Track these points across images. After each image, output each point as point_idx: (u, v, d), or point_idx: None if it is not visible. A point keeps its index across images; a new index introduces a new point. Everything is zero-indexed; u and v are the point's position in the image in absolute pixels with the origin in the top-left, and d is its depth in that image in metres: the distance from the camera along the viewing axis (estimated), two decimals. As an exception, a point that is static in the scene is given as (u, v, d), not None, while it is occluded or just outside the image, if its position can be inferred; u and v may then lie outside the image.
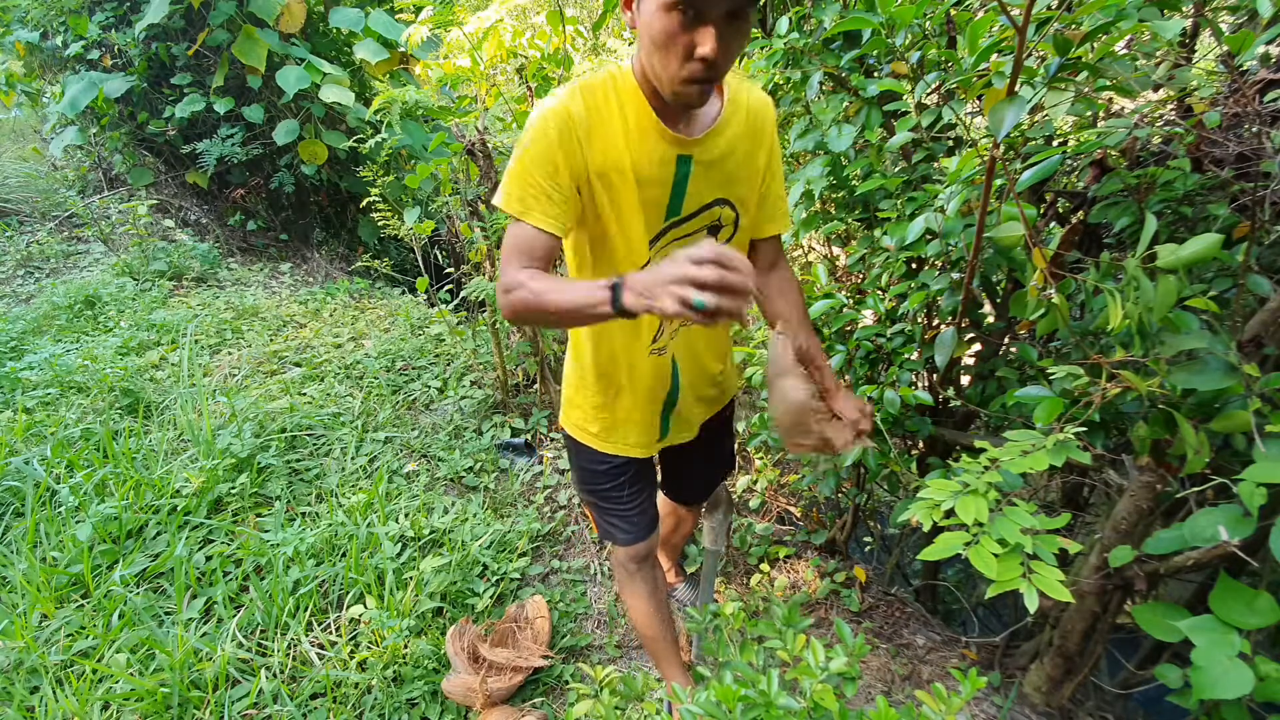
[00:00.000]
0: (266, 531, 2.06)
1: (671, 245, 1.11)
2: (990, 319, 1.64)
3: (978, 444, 0.97)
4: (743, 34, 0.90)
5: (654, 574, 1.50)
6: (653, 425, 1.30)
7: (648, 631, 1.53)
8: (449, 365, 3.32)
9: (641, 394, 1.24)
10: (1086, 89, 1.13)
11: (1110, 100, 1.43)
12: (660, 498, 1.71)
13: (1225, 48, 1.09)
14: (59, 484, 2.20)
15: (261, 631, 1.80)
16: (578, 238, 1.11)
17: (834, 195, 1.70)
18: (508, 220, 1.02)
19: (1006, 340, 1.64)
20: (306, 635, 1.77)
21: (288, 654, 1.73)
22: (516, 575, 2.07)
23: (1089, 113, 1.28)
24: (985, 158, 1.16)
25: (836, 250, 2.12)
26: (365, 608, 1.79)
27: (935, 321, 1.65)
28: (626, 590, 1.52)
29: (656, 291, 0.77)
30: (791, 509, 2.44)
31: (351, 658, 1.71)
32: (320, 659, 1.72)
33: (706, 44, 0.85)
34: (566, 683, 1.76)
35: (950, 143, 1.59)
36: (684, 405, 1.30)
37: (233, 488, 2.23)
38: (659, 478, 1.62)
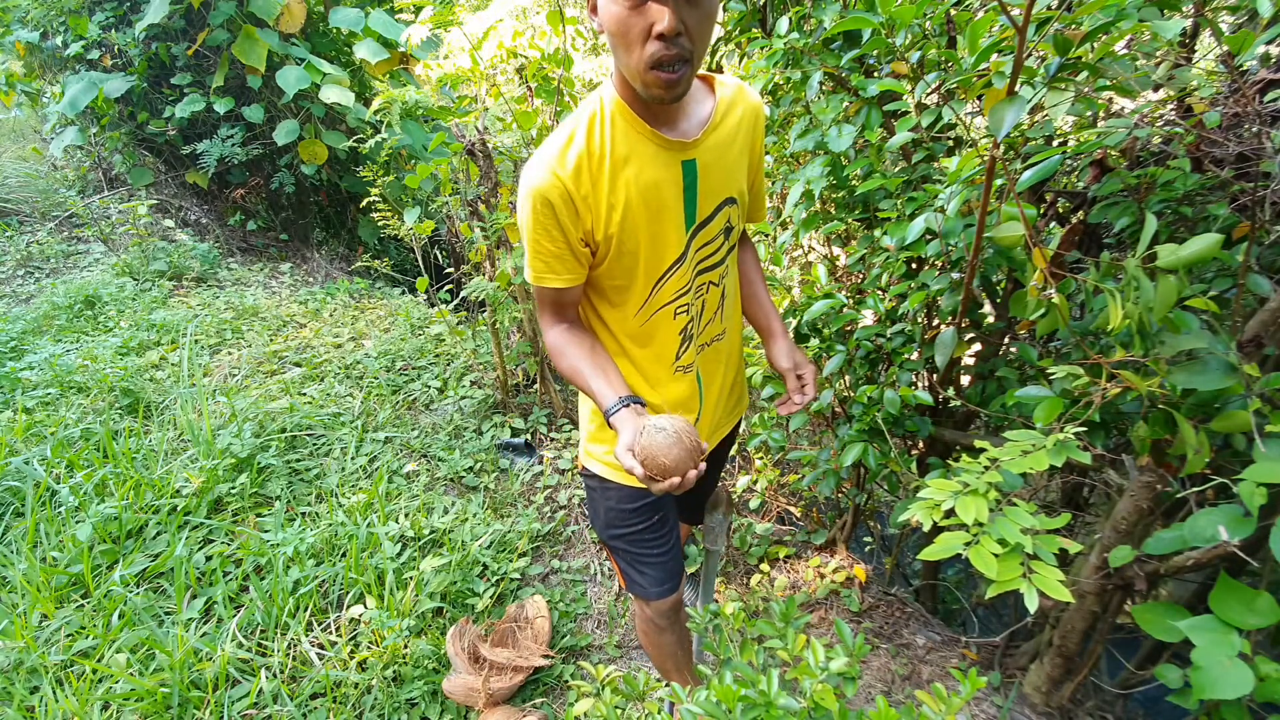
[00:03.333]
0: (266, 531, 2.06)
1: (699, 253, 1.10)
2: (990, 319, 1.64)
3: (978, 444, 0.97)
4: (705, 13, 0.86)
5: (680, 623, 1.42)
6: None
7: (669, 667, 1.49)
8: (449, 365, 3.32)
9: (674, 413, 1.20)
10: (1086, 89, 1.13)
11: (1110, 100, 1.43)
12: None
13: (1225, 48, 1.09)
14: (59, 484, 2.20)
15: (261, 631, 1.80)
16: (613, 263, 1.06)
17: (834, 195, 1.70)
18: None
19: (1006, 340, 1.64)
20: (306, 635, 1.77)
21: (288, 654, 1.73)
22: (516, 575, 2.07)
23: (1089, 113, 1.28)
24: (985, 158, 1.16)
25: (836, 250, 2.12)
26: (365, 608, 1.79)
27: (935, 321, 1.65)
28: (654, 644, 1.44)
29: (619, 449, 0.94)
30: (791, 509, 2.44)
31: (351, 658, 1.71)
32: (320, 659, 1.72)
33: (661, 20, 0.83)
34: (567, 683, 1.76)
35: (950, 143, 1.59)
36: (706, 419, 1.29)
37: (233, 488, 2.23)
38: None
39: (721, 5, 1.89)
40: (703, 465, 0.92)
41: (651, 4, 0.83)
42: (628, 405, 1.00)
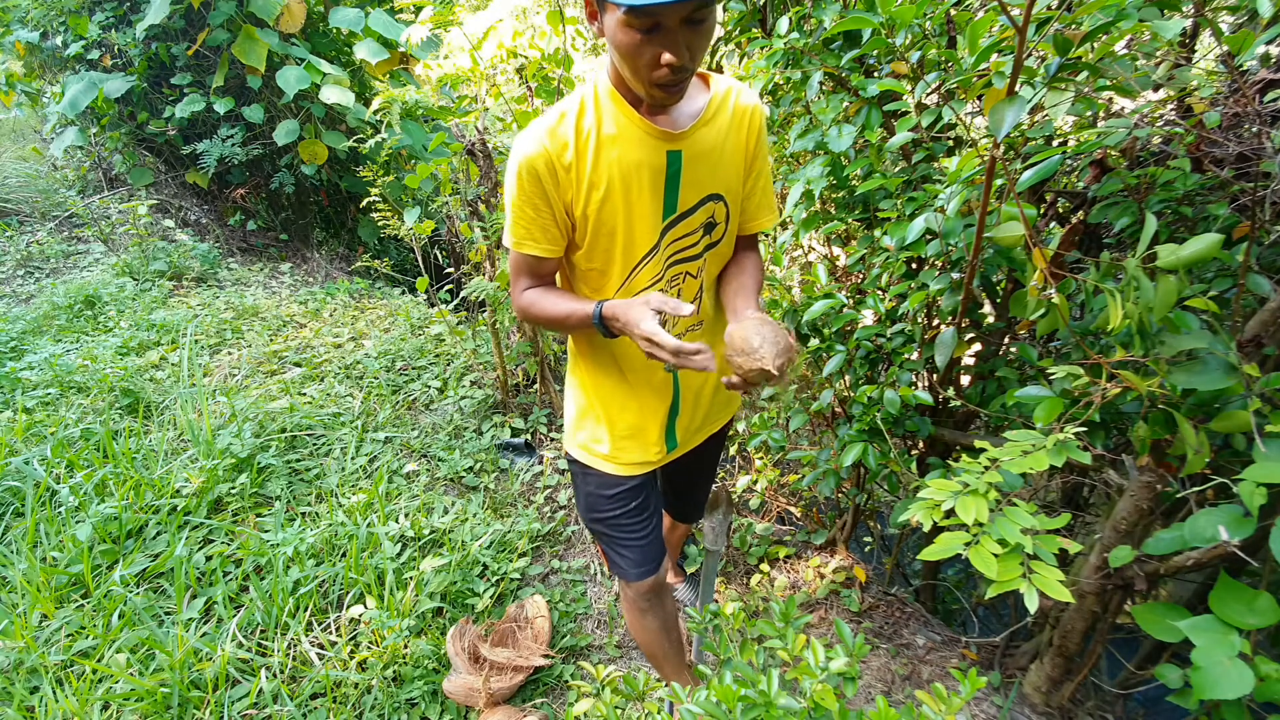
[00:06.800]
0: (266, 531, 2.06)
1: (674, 245, 1.11)
2: (990, 319, 1.64)
3: (978, 444, 0.97)
4: (704, 34, 0.91)
5: (664, 607, 1.45)
6: (660, 437, 1.28)
7: (658, 654, 1.50)
8: (449, 365, 3.32)
9: (647, 399, 1.24)
10: (1086, 89, 1.13)
11: (1110, 100, 1.43)
12: None
13: (1225, 48, 1.09)
14: (59, 484, 2.20)
15: (261, 631, 1.80)
16: (590, 244, 1.10)
17: (834, 195, 1.70)
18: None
19: (1006, 340, 1.64)
20: (306, 635, 1.77)
21: (288, 654, 1.73)
22: (516, 575, 2.07)
23: (1089, 113, 1.28)
24: (985, 158, 1.16)
25: (836, 250, 2.12)
26: (365, 608, 1.79)
27: (935, 321, 1.65)
28: (638, 627, 1.46)
29: (632, 333, 1.00)
30: (791, 509, 2.44)
31: (351, 658, 1.71)
32: (320, 659, 1.72)
33: (668, 53, 0.89)
34: (567, 683, 1.76)
35: (950, 143, 1.59)
36: (686, 411, 1.29)
37: (233, 488, 2.23)
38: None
39: (722, 5, 1.89)
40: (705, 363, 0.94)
41: (659, 35, 0.88)
42: (609, 300, 1.07)
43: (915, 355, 1.58)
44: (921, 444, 1.81)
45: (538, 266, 1.12)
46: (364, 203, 3.67)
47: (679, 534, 1.92)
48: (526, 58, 2.67)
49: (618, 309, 1.02)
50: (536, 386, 3.07)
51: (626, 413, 1.25)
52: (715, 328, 1.26)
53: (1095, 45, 1.07)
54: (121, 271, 4.34)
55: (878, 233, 1.58)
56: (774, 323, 0.97)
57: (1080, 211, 1.49)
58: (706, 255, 1.16)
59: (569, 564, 2.19)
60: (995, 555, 0.80)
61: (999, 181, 1.22)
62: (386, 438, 2.70)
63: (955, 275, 1.40)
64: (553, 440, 2.86)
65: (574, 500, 2.44)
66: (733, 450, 2.73)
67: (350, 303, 4.36)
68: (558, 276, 1.21)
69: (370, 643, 1.73)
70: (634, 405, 1.24)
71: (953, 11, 1.44)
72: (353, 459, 2.53)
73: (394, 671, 1.68)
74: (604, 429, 1.27)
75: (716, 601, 1.37)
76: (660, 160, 1.03)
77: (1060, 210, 1.55)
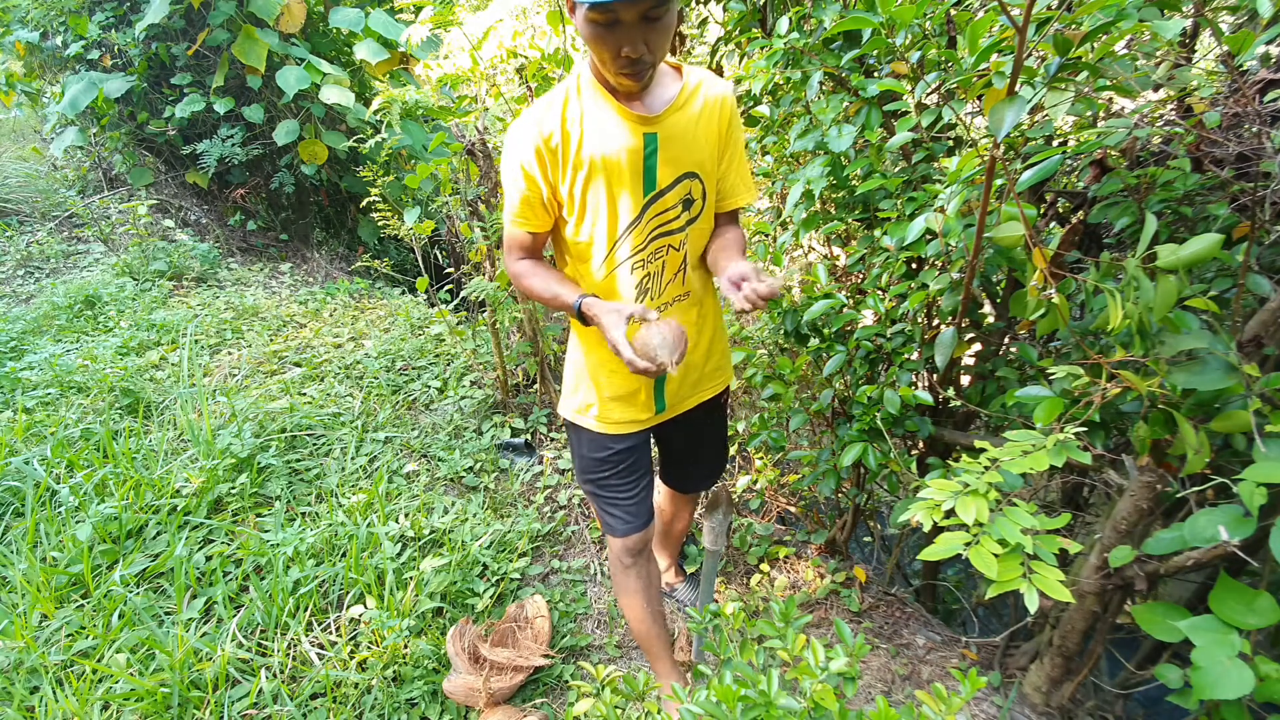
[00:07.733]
0: (266, 531, 2.06)
1: (655, 219, 1.20)
2: (990, 319, 1.64)
3: (978, 444, 0.97)
4: (662, 29, 1.00)
5: (649, 570, 1.53)
6: (649, 398, 1.36)
7: (641, 628, 1.56)
8: (449, 365, 3.32)
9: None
10: (1086, 89, 1.13)
11: (1110, 100, 1.43)
12: (660, 489, 1.73)
13: (1225, 48, 1.09)
14: (59, 484, 2.20)
15: (261, 631, 1.80)
16: (577, 220, 1.21)
17: (834, 195, 1.70)
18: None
19: (1006, 340, 1.64)
20: (306, 635, 1.77)
21: (288, 654, 1.73)
22: (516, 575, 2.07)
23: (1089, 113, 1.28)
24: (985, 158, 1.16)
25: (836, 250, 2.12)
26: (365, 608, 1.79)
27: (935, 321, 1.65)
28: (621, 585, 1.54)
29: (602, 332, 1.13)
30: (791, 509, 2.44)
31: (351, 658, 1.71)
32: (320, 659, 1.72)
33: (627, 46, 0.99)
34: (567, 683, 1.76)
35: (950, 143, 1.59)
36: (672, 377, 1.36)
37: (233, 488, 2.23)
38: (659, 467, 1.68)
39: (722, 5, 1.90)
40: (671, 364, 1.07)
41: (620, 30, 0.97)
42: (589, 296, 1.19)
43: (915, 355, 1.58)
44: (921, 444, 1.81)
45: (529, 240, 1.26)
46: (364, 203, 3.67)
47: (679, 531, 1.92)
48: (526, 58, 2.67)
49: (595, 308, 1.14)
50: (536, 386, 3.07)
51: (616, 376, 1.34)
52: (702, 299, 1.35)
53: (1095, 45, 1.07)
54: (121, 271, 4.33)
55: (878, 233, 1.58)
56: (671, 323, 1.10)
57: (1080, 211, 1.49)
58: (688, 230, 1.24)
59: (569, 564, 2.19)
60: (995, 555, 0.80)
61: (999, 181, 1.22)
62: (386, 438, 2.70)
63: (955, 275, 1.40)
64: (552, 440, 2.86)
65: (573, 499, 2.46)
66: (733, 450, 2.73)
67: (350, 303, 4.36)
68: (550, 242, 1.34)
69: (370, 643, 1.73)
70: (623, 369, 1.32)
71: (953, 11, 1.44)
72: (353, 459, 2.53)
73: (394, 671, 1.68)
74: (594, 392, 1.36)
75: (716, 601, 1.37)
76: (638, 142, 1.13)
77: (1060, 210, 1.55)
